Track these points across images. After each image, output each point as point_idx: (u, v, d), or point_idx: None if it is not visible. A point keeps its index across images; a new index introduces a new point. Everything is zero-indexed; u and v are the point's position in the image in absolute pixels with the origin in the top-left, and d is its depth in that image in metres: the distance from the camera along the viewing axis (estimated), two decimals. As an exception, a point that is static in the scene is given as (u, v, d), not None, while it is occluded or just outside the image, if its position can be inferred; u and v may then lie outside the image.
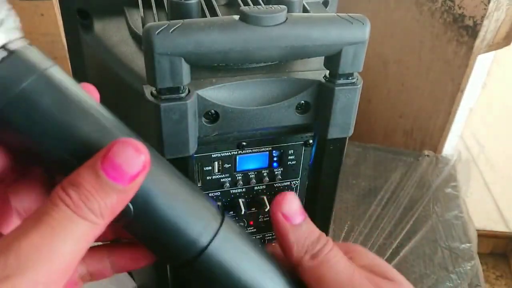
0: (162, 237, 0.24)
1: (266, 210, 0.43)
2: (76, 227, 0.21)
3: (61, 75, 0.23)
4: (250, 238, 0.27)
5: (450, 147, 0.97)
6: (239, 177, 0.41)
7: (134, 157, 0.21)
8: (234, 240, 0.26)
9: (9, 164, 0.24)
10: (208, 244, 0.25)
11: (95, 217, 0.21)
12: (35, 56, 0.22)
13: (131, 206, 0.23)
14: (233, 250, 0.26)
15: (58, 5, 0.45)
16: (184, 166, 0.35)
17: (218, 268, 0.25)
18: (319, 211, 0.44)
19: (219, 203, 0.42)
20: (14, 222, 0.26)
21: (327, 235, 0.32)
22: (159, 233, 0.24)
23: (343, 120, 0.37)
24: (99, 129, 0.23)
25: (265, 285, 0.26)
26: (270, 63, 0.38)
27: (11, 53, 0.21)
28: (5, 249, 0.20)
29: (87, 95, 0.24)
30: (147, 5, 0.42)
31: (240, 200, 0.42)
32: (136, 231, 0.25)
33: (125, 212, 0.23)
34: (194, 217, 0.25)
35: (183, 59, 0.30)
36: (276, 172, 0.42)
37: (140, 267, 0.29)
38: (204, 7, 0.40)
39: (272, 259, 0.28)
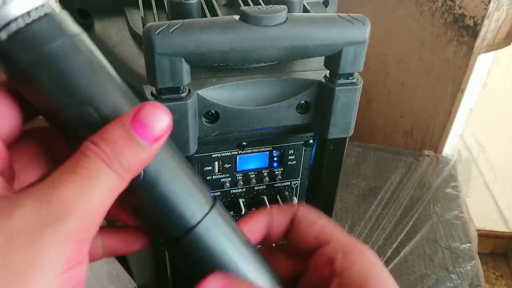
0: (160, 208, 0.26)
1: (266, 210, 0.43)
2: (108, 179, 0.22)
3: (89, 42, 0.24)
4: (236, 226, 0.29)
5: (450, 147, 0.97)
6: (239, 177, 0.41)
7: (161, 119, 0.23)
8: (221, 224, 0.28)
9: (21, 123, 0.25)
10: (198, 223, 0.27)
11: (124, 171, 0.23)
12: (68, 20, 0.24)
13: (142, 172, 0.24)
14: (219, 233, 0.27)
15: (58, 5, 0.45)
16: (184, 166, 0.35)
17: (203, 247, 0.27)
18: (319, 211, 0.44)
19: (219, 203, 0.42)
20: (44, 171, 0.27)
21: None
22: (158, 204, 0.26)
23: (343, 120, 0.37)
24: (123, 92, 0.25)
25: (244, 269, 0.28)
26: (270, 63, 0.38)
27: (47, 13, 0.22)
28: (47, 198, 0.21)
29: (109, 65, 0.25)
30: (147, 5, 0.42)
31: (240, 200, 0.42)
32: (137, 200, 0.26)
33: (137, 176, 0.24)
34: (192, 196, 0.27)
35: (183, 59, 0.30)
36: (276, 172, 0.42)
37: (131, 250, 0.30)
38: (205, 7, 0.40)
39: (253, 247, 0.29)
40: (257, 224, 0.31)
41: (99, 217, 0.22)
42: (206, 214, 0.27)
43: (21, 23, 0.22)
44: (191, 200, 0.26)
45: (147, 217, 0.27)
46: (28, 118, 0.25)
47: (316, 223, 0.31)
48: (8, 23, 0.22)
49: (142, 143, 0.23)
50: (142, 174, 0.25)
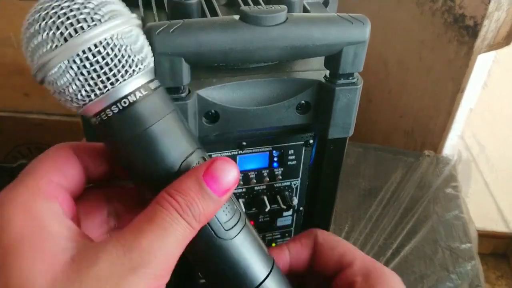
0: (233, 267, 0.28)
1: (266, 210, 0.43)
2: (181, 228, 0.24)
3: (179, 116, 0.27)
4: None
5: (450, 147, 0.97)
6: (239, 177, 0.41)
7: (230, 173, 0.25)
8: (280, 282, 0.30)
9: (85, 181, 0.28)
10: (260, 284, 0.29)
11: (195, 221, 0.24)
12: (166, 96, 0.26)
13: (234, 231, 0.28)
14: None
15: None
16: (184, 166, 0.35)
17: None
18: (320, 211, 0.44)
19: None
20: (103, 220, 0.30)
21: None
22: (233, 263, 0.28)
23: (344, 120, 0.37)
24: (199, 149, 0.27)
25: None
26: (270, 63, 0.38)
27: (152, 91, 0.25)
28: (129, 246, 0.23)
29: (186, 124, 0.27)
30: (147, 5, 0.42)
31: (240, 200, 0.42)
32: (209, 264, 0.29)
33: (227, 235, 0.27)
34: (260, 255, 0.29)
35: (183, 59, 0.30)
36: (277, 172, 0.42)
37: None
38: (204, 7, 0.40)
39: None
40: (282, 257, 0.33)
41: (172, 265, 0.24)
42: (269, 274, 0.29)
43: (131, 100, 0.24)
44: (258, 260, 0.29)
45: (216, 279, 0.29)
46: (90, 178, 0.28)
47: (338, 246, 0.32)
48: (119, 100, 0.24)
49: (212, 195, 0.25)
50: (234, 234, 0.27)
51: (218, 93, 0.34)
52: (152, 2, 0.42)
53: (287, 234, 0.47)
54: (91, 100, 0.24)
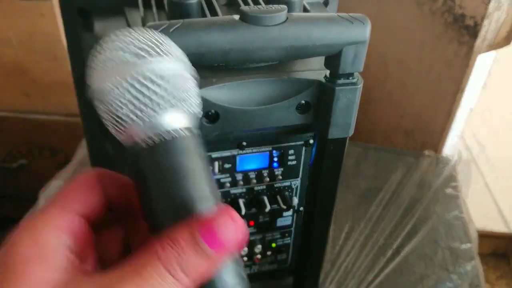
0: None
1: (266, 210, 0.43)
2: (167, 285, 0.22)
3: (207, 165, 0.27)
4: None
5: (450, 147, 0.97)
6: (239, 177, 0.41)
7: (231, 230, 0.23)
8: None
9: (104, 207, 0.28)
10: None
11: (186, 279, 0.22)
12: (200, 142, 0.27)
13: None
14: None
15: (58, 5, 0.45)
16: (184, 166, 0.35)
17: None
18: (319, 211, 0.44)
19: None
20: (119, 249, 0.29)
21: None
22: None
23: (344, 120, 0.37)
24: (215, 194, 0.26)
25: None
26: (270, 63, 0.38)
27: (191, 133, 0.26)
28: None
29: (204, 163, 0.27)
30: (147, 5, 0.42)
31: (240, 200, 0.42)
32: None
33: None
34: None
35: (183, 59, 0.30)
36: (277, 172, 0.42)
37: None
38: (205, 7, 0.40)
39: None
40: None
41: None
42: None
43: (172, 135, 0.25)
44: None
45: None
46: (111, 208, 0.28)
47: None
48: (162, 132, 0.25)
49: (207, 250, 0.22)
50: None
51: (218, 93, 0.34)
52: (152, 2, 0.42)
53: (287, 234, 0.47)
54: (136, 124, 0.25)
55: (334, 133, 0.37)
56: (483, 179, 1.27)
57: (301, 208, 0.45)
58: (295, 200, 0.44)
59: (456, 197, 0.82)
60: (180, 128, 0.25)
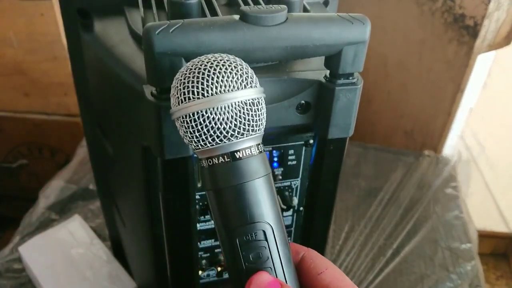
0: None
1: (266, 210, 0.43)
2: None
3: (271, 183, 0.28)
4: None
5: (450, 147, 0.97)
6: (239, 177, 0.41)
7: None
8: None
9: None
10: None
11: None
12: (266, 161, 0.28)
13: None
14: None
15: (58, 5, 0.45)
16: (184, 166, 0.35)
17: None
18: (320, 211, 0.44)
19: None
20: None
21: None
22: None
23: (344, 120, 0.37)
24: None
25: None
26: (270, 63, 0.38)
27: (258, 152, 0.28)
28: None
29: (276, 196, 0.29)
30: (147, 5, 0.42)
31: (240, 200, 0.42)
32: None
33: None
34: None
35: (183, 59, 0.30)
36: (277, 172, 0.42)
37: None
38: (204, 6, 0.40)
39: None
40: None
41: None
42: None
43: (242, 154, 0.27)
44: None
45: None
46: None
47: (327, 271, 0.31)
48: (233, 152, 0.26)
49: None
50: None
51: (218, 93, 0.34)
52: (152, 2, 0.42)
53: (287, 234, 0.47)
54: (213, 145, 0.26)
55: (334, 133, 0.37)
56: (483, 179, 1.27)
57: (301, 208, 0.45)
58: (295, 200, 0.44)
59: (456, 197, 0.82)
60: (250, 147, 0.27)
